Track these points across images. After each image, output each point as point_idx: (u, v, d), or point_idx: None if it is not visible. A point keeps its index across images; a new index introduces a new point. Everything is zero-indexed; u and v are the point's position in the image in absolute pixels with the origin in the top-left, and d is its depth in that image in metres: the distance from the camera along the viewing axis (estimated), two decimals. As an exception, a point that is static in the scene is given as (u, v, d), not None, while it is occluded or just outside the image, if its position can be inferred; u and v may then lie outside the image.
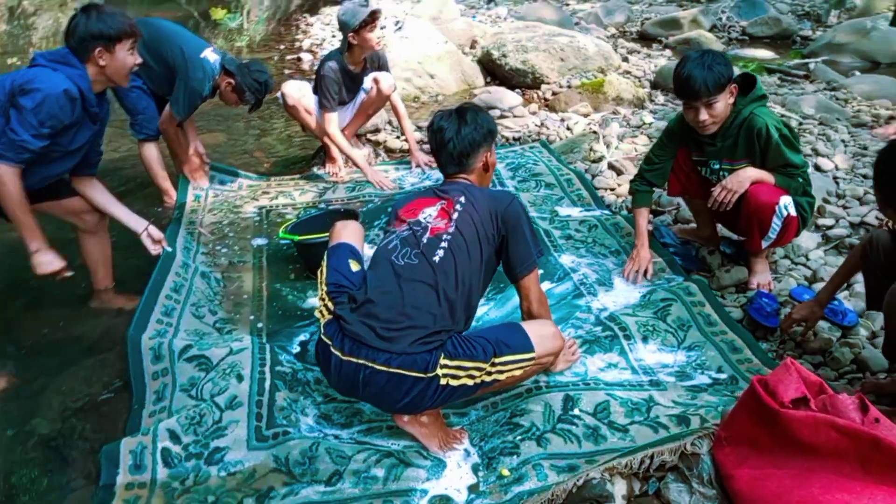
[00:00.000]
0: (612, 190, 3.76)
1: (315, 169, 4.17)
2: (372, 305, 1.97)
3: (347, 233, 2.28)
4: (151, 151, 3.71)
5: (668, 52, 7.14)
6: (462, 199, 2.14)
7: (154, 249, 2.85)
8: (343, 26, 3.78)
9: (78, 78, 2.42)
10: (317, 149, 4.36)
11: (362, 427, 2.16)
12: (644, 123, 4.56)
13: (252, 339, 2.47)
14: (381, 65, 3.99)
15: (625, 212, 3.51)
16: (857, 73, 6.22)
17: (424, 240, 2.06)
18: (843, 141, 4.22)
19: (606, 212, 3.45)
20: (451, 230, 2.07)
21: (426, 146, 4.30)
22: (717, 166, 2.76)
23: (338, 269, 2.16)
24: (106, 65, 2.48)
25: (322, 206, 3.79)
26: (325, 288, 2.12)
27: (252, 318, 2.77)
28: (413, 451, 2.02)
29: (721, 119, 2.63)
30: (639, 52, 7.03)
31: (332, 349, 1.96)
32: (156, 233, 2.85)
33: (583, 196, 3.63)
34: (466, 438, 2.08)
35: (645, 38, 7.95)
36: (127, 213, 2.85)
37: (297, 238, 2.98)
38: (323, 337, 2.01)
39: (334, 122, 3.93)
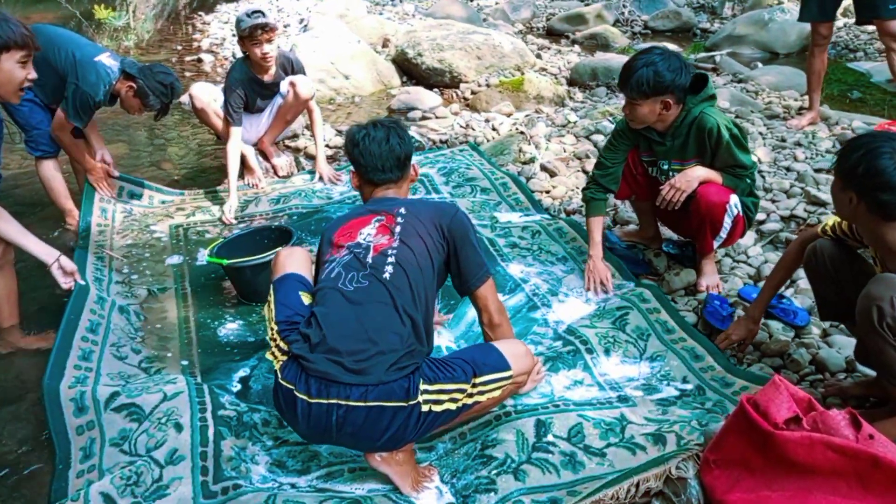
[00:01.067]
0: (548, 192, 3.69)
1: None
2: (332, 339, 1.79)
3: (293, 261, 2.08)
4: (49, 169, 3.35)
5: (577, 48, 7.19)
6: (402, 210, 2.00)
7: (66, 283, 2.54)
8: (236, 30, 3.57)
9: None
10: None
11: (321, 472, 1.98)
12: (569, 122, 4.54)
13: (186, 378, 2.23)
14: (295, 68, 3.76)
15: (563, 215, 3.46)
16: (759, 64, 6.46)
17: (369, 259, 1.90)
18: (760, 134, 4.33)
19: (546, 216, 3.38)
20: (395, 244, 1.93)
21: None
22: (666, 166, 2.73)
23: (287, 303, 1.96)
24: None
25: (245, 220, 3.55)
26: (275, 327, 1.92)
27: (182, 353, 2.51)
28: (381, 496, 1.86)
29: (641, 122, 2.62)
30: (549, 49, 7.05)
31: (297, 393, 1.77)
32: (68, 264, 2.54)
33: (520, 200, 3.55)
34: (436, 475, 1.94)
35: (552, 34, 7.99)
36: (36, 242, 2.51)
37: (226, 262, 2.74)
38: (282, 382, 1.81)
39: (235, 137, 3.66)
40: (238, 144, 3.66)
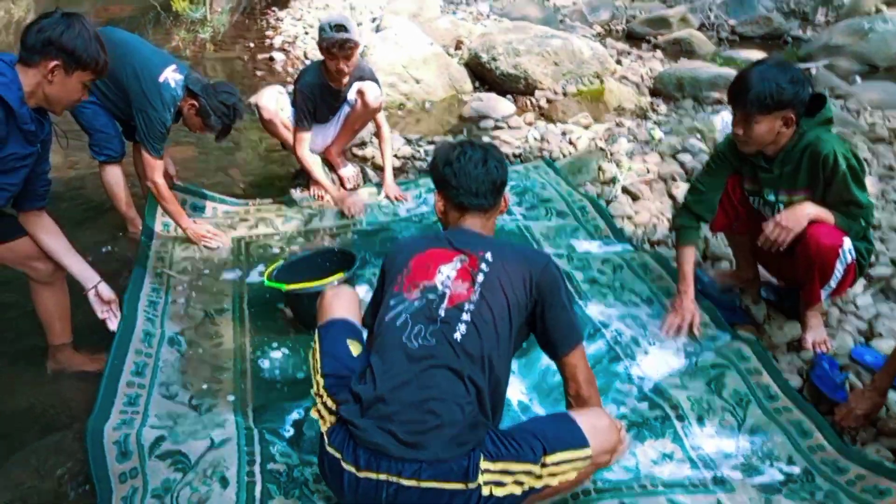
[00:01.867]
0: (630, 218, 3.41)
1: (297, 191, 3.74)
2: (386, 405, 1.59)
3: (340, 305, 1.88)
4: (113, 175, 3.27)
5: (659, 54, 6.81)
6: (488, 255, 1.75)
7: (102, 313, 2.44)
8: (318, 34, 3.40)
9: (4, 86, 1.96)
10: (298, 167, 3.92)
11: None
12: (654, 139, 4.23)
13: (237, 421, 2.08)
14: (365, 76, 3.57)
15: (648, 246, 3.18)
16: (858, 78, 5.98)
17: (442, 312, 1.68)
18: (865, 160, 3.93)
19: (628, 246, 3.11)
20: (474, 299, 1.69)
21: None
22: (771, 197, 2.43)
23: (334, 354, 1.77)
24: (53, 83, 2.05)
25: (309, 234, 3.40)
26: (321, 381, 1.73)
27: (234, 388, 2.36)
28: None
29: (757, 143, 2.30)
30: (629, 54, 6.70)
31: (344, 464, 1.58)
32: (106, 292, 2.44)
33: (599, 227, 3.28)
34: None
35: (632, 38, 7.62)
36: (79, 263, 2.42)
37: (285, 287, 2.58)
38: (329, 449, 1.62)
39: (305, 143, 3.52)
40: (307, 147, 3.52)
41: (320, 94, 3.52)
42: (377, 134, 3.76)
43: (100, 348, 2.51)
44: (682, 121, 4.67)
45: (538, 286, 1.75)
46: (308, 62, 6.33)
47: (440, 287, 1.71)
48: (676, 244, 2.64)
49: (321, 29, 3.32)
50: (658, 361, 2.37)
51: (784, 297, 2.69)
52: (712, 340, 2.46)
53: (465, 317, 1.67)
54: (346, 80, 3.46)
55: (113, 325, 2.48)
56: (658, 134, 4.28)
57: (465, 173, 1.82)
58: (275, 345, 2.59)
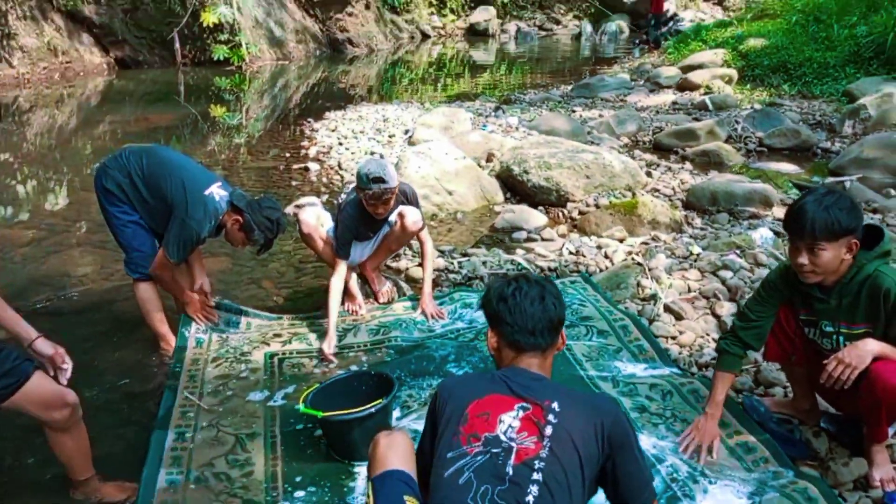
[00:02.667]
0: (674, 339, 3.30)
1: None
2: None
3: (395, 454, 1.72)
4: (147, 292, 3.26)
5: (688, 165, 6.87)
6: (555, 405, 1.64)
7: (51, 370, 2.16)
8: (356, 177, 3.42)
9: None
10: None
11: None
12: (692, 254, 4.17)
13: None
14: (408, 198, 3.59)
15: (695, 369, 3.05)
16: (893, 191, 5.94)
17: (509, 470, 1.56)
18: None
19: (675, 370, 2.99)
20: (544, 454, 1.57)
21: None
22: (829, 328, 2.33)
23: None
24: None
25: (343, 352, 3.32)
26: None
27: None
28: None
29: (824, 272, 2.22)
30: (658, 166, 6.75)
31: None
32: (44, 348, 2.14)
33: (644, 348, 3.17)
34: None
35: (660, 149, 7.72)
36: (15, 319, 2.13)
37: (321, 414, 2.48)
38: None
39: (340, 272, 3.46)
40: (342, 278, 3.47)
41: (360, 222, 3.52)
42: (421, 251, 3.73)
43: (128, 481, 2.41)
44: (718, 235, 4.62)
45: (610, 439, 1.64)
46: (342, 173, 6.48)
47: (504, 439, 1.60)
48: (716, 366, 2.54)
49: (360, 176, 3.30)
50: (719, 501, 2.20)
51: (845, 429, 2.53)
52: (774, 477, 2.29)
53: (537, 476, 1.55)
54: (382, 217, 3.48)
55: (63, 378, 2.18)
56: (696, 249, 4.22)
57: (521, 310, 1.75)
58: (307, 474, 2.46)
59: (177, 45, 12.38)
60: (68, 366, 2.19)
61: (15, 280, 4.02)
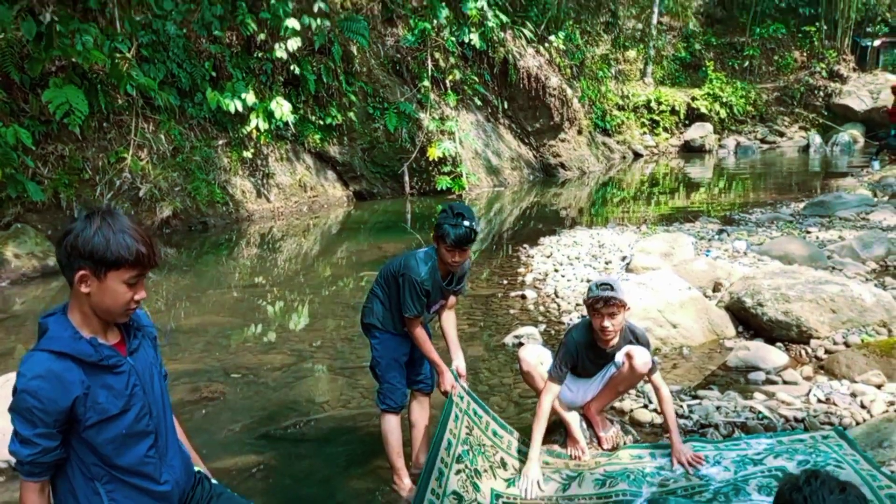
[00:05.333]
0: (965, 521, 2.78)
1: (556, 447, 3.63)
2: None
3: None
4: (391, 423, 3.45)
5: (957, 296, 5.97)
6: None
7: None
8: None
9: (50, 340, 1.80)
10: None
11: None
12: (977, 411, 3.55)
13: None
14: (637, 338, 3.51)
15: None
16: None
17: None
18: None
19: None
20: None
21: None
22: None
23: None
24: (90, 294, 1.82)
25: (565, 501, 3.20)
26: None
27: None
28: None
29: None
30: (919, 296, 5.95)
31: None
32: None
33: (923, 528, 2.69)
34: None
35: (917, 275, 6.84)
36: None
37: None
38: None
39: (550, 393, 3.44)
40: (551, 400, 3.43)
41: (585, 351, 3.50)
42: (657, 397, 3.57)
43: None
44: None
45: None
46: (559, 301, 6.50)
47: None
48: None
49: (589, 288, 3.40)
50: None
51: None
52: None
53: None
54: (613, 340, 3.43)
55: None
56: (983, 405, 3.59)
57: (820, 500, 1.62)
58: None
59: (406, 177, 13.55)
60: None
61: (268, 405, 4.45)
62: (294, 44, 11.31)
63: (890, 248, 7.69)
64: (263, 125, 11.28)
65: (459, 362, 3.54)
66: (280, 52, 11.31)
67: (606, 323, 3.34)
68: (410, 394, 3.59)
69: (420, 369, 3.59)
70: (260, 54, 11.64)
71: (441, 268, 3.33)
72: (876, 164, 15.31)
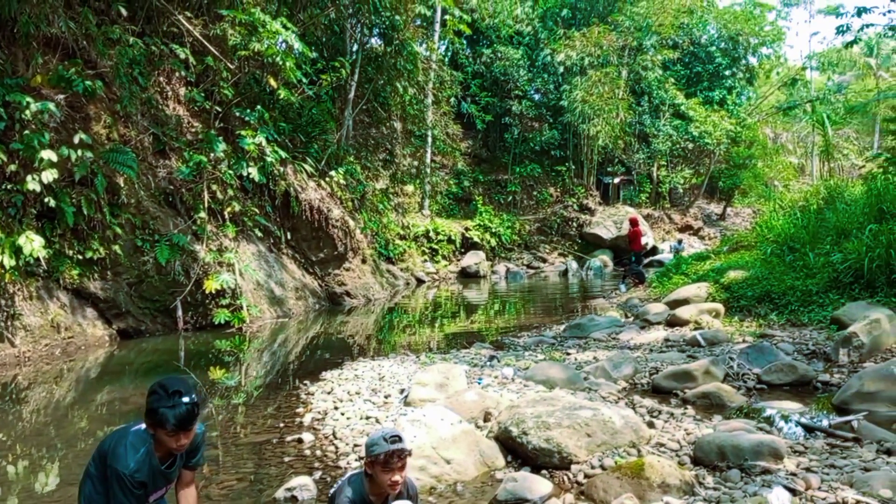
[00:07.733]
0: None
1: None
2: None
3: None
4: None
5: (690, 410, 6.74)
6: None
7: None
8: (365, 449, 3.35)
9: None
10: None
11: None
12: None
13: None
14: (410, 492, 3.45)
15: None
16: (903, 426, 5.78)
17: None
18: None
19: None
20: None
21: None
22: None
23: None
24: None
25: None
26: None
27: None
28: None
29: None
30: (660, 413, 6.60)
31: None
32: None
33: None
34: None
35: (659, 392, 7.64)
36: None
37: None
38: None
39: None
40: None
41: None
42: None
43: None
44: (733, 497, 4.38)
45: None
46: (337, 443, 6.29)
47: None
48: None
49: (373, 444, 3.27)
50: None
51: None
52: None
53: None
54: (396, 490, 3.34)
55: None
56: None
57: None
58: None
59: (179, 312, 12.75)
60: None
61: None
62: (50, 175, 10.48)
63: (636, 367, 8.56)
64: (10, 262, 10.12)
65: None
66: (33, 185, 10.39)
67: (397, 477, 3.26)
68: None
69: None
70: (9, 186, 10.60)
71: (160, 450, 2.97)
72: (623, 287, 17.33)
